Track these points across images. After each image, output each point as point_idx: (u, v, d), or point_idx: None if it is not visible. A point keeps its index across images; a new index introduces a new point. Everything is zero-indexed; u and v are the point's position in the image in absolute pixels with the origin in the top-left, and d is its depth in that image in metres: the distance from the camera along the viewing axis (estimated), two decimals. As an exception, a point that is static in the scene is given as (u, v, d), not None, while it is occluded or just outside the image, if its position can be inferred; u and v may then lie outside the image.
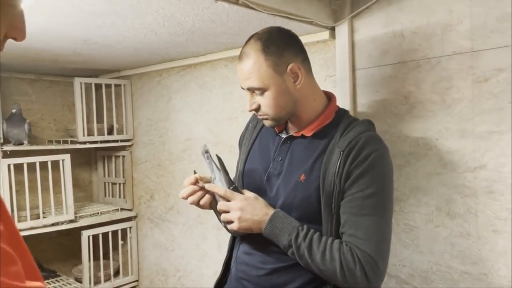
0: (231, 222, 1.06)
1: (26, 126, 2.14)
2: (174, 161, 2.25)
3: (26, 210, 2.05)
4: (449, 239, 1.28)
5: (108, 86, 2.44)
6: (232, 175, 1.24)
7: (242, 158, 1.23)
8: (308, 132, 1.09)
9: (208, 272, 2.10)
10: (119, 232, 2.43)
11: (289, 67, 1.04)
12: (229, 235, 1.22)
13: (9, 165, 1.99)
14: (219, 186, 1.07)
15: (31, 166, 2.07)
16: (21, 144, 2.15)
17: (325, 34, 1.50)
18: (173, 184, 2.27)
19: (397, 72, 1.36)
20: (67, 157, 2.18)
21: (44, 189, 2.11)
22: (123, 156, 2.53)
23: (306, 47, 1.12)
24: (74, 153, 2.32)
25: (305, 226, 1.02)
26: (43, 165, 2.10)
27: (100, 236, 2.33)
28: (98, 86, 2.43)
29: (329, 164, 1.03)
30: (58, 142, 2.31)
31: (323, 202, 1.02)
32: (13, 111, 2.14)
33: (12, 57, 1.88)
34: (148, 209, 2.43)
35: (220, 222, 1.11)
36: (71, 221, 2.20)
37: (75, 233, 2.33)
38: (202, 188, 1.08)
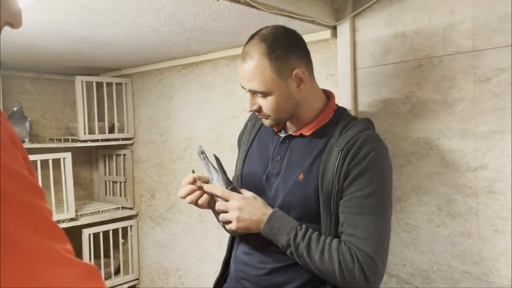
0: (229, 222, 1.05)
1: (27, 124, 2.15)
2: (175, 160, 2.25)
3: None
4: (450, 238, 1.28)
5: (109, 84, 2.44)
6: (232, 174, 1.24)
7: (240, 158, 1.22)
8: (307, 131, 1.09)
9: (209, 271, 2.10)
10: (120, 230, 2.43)
11: (294, 72, 1.02)
12: (229, 234, 1.22)
13: (10, 163, 1.99)
14: (217, 186, 1.07)
15: (32, 164, 2.04)
16: (23, 142, 2.13)
17: (327, 33, 1.50)
18: (174, 183, 2.27)
19: (399, 71, 1.36)
20: (68, 156, 2.18)
21: (45, 187, 2.11)
22: (124, 155, 2.53)
23: (307, 46, 1.11)
24: (75, 151, 2.32)
25: (303, 226, 1.02)
26: (44, 163, 2.10)
27: (101, 234, 2.33)
28: (99, 85, 2.43)
29: (328, 163, 1.02)
30: (59, 140, 2.32)
31: (322, 202, 1.02)
32: (15, 109, 2.14)
33: (14, 55, 1.88)
34: (149, 207, 2.43)
35: (219, 222, 1.10)
36: (72, 219, 2.20)
37: (75, 232, 2.32)
38: (200, 188, 1.08)
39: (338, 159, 1.00)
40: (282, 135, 1.14)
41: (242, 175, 1.19)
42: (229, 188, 1.06)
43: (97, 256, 2.32)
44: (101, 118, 2.41)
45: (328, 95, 1.14)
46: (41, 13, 1.26)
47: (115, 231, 2.41)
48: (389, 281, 1.41)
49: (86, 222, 2.28)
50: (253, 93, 1.05)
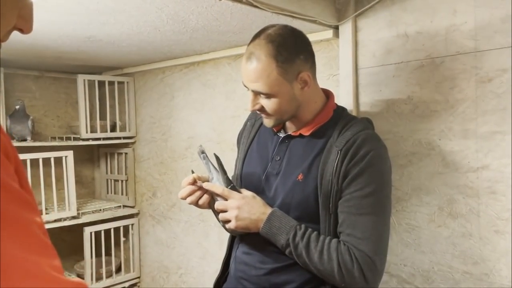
0: (228, 221, 1.05)
1: (29, 122, 2.15)
2: (177, 159, 2.25)
3: (29, 206, 2.06)
4: (450, 239, 1.28)
5: (111, 83, 2.44)
6: (233, 173, 1.24)
7: (240, 157, 1.22)
8: (306, 131, 1.09)
9: (210, 270, 2.10)
10: (121, 229, 2.43)
11: (300, 75, 1.01)
12: (229, 234, 1.22)
13: (12, 161, 1.99)
14: (216, 185, 1.07)
15: (34, 162, 2.07)
16: (25, 140, 2.16)
17: (329, 33, 1.50)
18: (175, 181, 2.27)
19: (401, 71, 1.36)
20: (70, 154, 2.18)
21: (47, 186, 2.12)
22: (126, 153, 2.54)
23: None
24: (77, 149, 2.33)
25: (303, 226, 1.02)
26: (46, 161, 2.10)
27: (102, 232, 2.33)
28: (101, 83, 2.43)
29: (327, 163, 1.02)
30: (61, 138, 2.32)
31: (321, 202, 1.02)
32: (17, 107, 2.15)
33: (16, 53, 1.89)
34: (150, 206, 2.44)
35: (219, 221, 1.11)
36: (73, 218, 2.21)
37: (77, 230, 2.33)
38: (201, 188, 1.08)
39: (337, 159, 1.00)
40: (282, 135, 1.14)
41: (241, 175, 1.19)
42: (229, 187, 1.06)
43: (98, 254, 2.33)
44: (103, 117, 2.41)
45: (328, 95, 1.14)
46: (44, 12, 1.27)
47: (117, 229, 2.42)
48: (390, 281, 1.41)
49: (87, 221, 2.28)
50: (256, 93, 1.04)
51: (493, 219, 1.20)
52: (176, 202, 2.27)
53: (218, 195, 1.06)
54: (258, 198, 1.06)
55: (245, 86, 1.06)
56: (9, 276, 0.40)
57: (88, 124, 2.29)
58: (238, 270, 1.14)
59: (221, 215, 1.07)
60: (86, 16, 1.33)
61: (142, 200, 2.49)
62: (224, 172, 1.08)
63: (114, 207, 2.46)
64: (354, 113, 1.44)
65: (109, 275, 2.39)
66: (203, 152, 1.11)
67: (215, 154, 1.10)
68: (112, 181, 2.65)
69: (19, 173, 0.49)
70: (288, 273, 1.06)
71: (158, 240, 2.40)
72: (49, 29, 1.47)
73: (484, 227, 1.21)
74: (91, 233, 2.27)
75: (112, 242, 2.39)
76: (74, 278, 0.48)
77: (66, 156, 2.18)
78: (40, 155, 2.08)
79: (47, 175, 2.11)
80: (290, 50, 1.00)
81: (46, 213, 2.13)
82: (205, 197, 1.08)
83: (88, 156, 2.74)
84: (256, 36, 1.03)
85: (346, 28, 1.46)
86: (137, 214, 2.51)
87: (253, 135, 1.22)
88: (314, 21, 1.40)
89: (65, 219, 2.17)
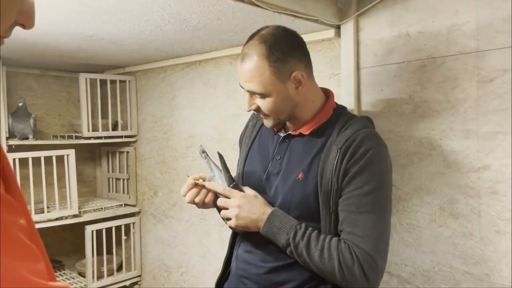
0: (229, 219, 1.06)
1: (31, 121, 2.16)
2: (178, 158, 2.26)
3: (31, 204, 2.07)
4: (451, 239, 1.28)
5: (113, 82, 2.45)
6: (234, 173, 1.24)
7: (242, 157, 1.23)
8: (306, 131, 1.09)
9: (211, 268, 2.11)
10: (123, 227, 2.44)
11: (292, 75, 1.02)
12: (231, 232, 1.23)
13: (14, 160, 2.00)
14: (218, 184, 1.08)
15: (36, 160, 2.08)
16: (26, 138, 2.16)
17: (331, 33, 1.50)
18: (176, 180, 2.28)
19: (402, 71, 1.36)
20: (71, 152, 2.19)
21: (48, 184, 2.13)
22: (127, 152, 2.54)
23: (311, 45, 1.12)
24: (78, 148, 2.33)
25: (303, 225, 1.02)
26: (48, 159, 2.11)
27: (104, 231, 2.34)
28: (103, 82, 2.44)
29: (327, 162, 1.02)
30: (63, 137, 2.33)
31: (321, 200, 1.02)
32: (19, 105, 2.15)
33: (18, 52, 1.89)
34: (152, 205, 2.44)
35: (222, 218, 1.12)
36: (75, 216, 2.22)
37: (78, 228, 2.34)
38: (203, 186, 1.09)
39: (337, 157, 1.00)
40: (282, 134, 1.14)
41: (243, 174, 1.19)
42: (231, 185, 1.07)
43: (99, 253, 2.34)
44: (104, 116, 2.42)
45: (327, 94, 1.14)
46: (46, 10, 1.27)
47: (118, 228, 2.42)
48: (390, 280, 1.41)
49: (89, 219, 2.29)
50: (252, 93, 1.05)
51: (494, 219, 1.20)
52: (177, 201, 2.28)
53: (219, 193, 1.07)
54: (259, 198, 1.07)
55: (241, 86, 1.07)
56: None
57: (90, 123, 2.30)
58: (239, 268, 1.15)
59: (222, 212, 1.08)
60: (88, 15, 1.34)
61: (143, 198, 2.50)
62: (227, 170, 1.09)
63: (116, 205, 2.47)
64: (355, 113, 1.44)
65: (110, 273, 2.40)
66: (204, 151, 1.12)
67: (218, 153, 1.11)
68: (114, 179, 2.66)
69: (5, 174, 0.48)
70: (289, 272, 1.06)
71: (159, 238, 2.40)
72: (51, 27, 1.47)
73: (485, 227, 1.21)
74: (92, 231, 2.28)
75: (113, 240, 2.39)
76: (58, 283, 0.46)
77: (67, 155, 2.18)
78: (42, 154, 2.08)
79: (49, 173, 2.12)
80: (283, 50, 1.01)
81: (48, 211, 2.13)
82: (210, 195, 1.09)
83: (90, 154, 2.74)
84: (251, 37, 1.06)
85: (347, 28, 1.46)
86: (138, 213, 2.52)
87: (254, 135, 1.23)
88: (316, 21, 1.40)
89: (66, 218, 2.18)
